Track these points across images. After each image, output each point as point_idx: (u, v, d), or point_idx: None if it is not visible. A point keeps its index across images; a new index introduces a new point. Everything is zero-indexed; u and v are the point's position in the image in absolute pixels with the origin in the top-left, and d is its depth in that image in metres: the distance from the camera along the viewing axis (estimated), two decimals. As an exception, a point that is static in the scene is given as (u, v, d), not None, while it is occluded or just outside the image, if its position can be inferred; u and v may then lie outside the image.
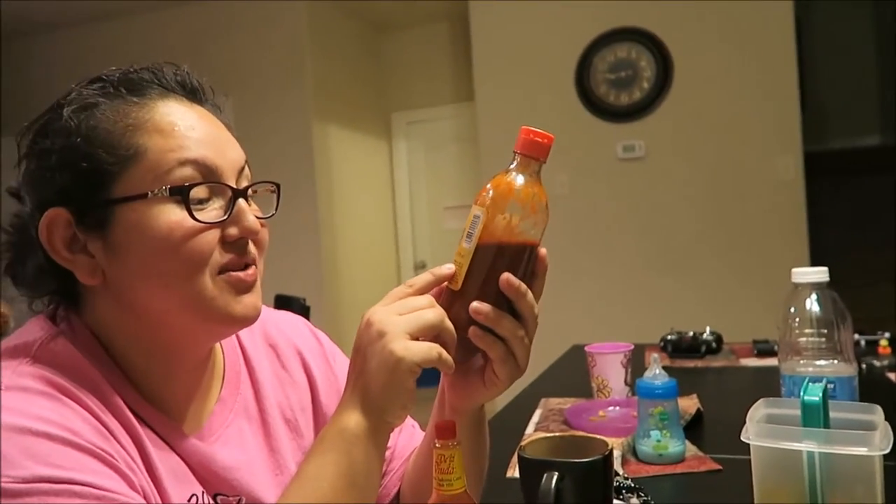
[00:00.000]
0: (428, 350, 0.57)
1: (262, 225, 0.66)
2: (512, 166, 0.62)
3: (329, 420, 0.61)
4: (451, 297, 0.62)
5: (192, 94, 0.66)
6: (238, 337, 0.76)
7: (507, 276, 0.59)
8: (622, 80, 3.93)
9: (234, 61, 4.36)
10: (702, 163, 3.81)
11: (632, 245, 3.92)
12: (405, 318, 0.58)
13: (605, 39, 3.93)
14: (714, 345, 1.87)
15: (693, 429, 1.20)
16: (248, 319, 0.65)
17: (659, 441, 1.05)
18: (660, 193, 3.87)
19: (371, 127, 5.13)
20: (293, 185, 4.24)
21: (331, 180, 4.50)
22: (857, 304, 3.59)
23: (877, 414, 0.67)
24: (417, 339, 0.58)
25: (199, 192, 0.61)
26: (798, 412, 0.67)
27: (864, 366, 1.62)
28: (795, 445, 0.63)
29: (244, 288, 0.63)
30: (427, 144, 5.34)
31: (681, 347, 1.88)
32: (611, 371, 1.39)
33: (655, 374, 1.07)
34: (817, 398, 0.64)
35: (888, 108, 5.81)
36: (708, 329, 1.92)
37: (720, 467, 1.01)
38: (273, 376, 0.76)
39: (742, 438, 0.66)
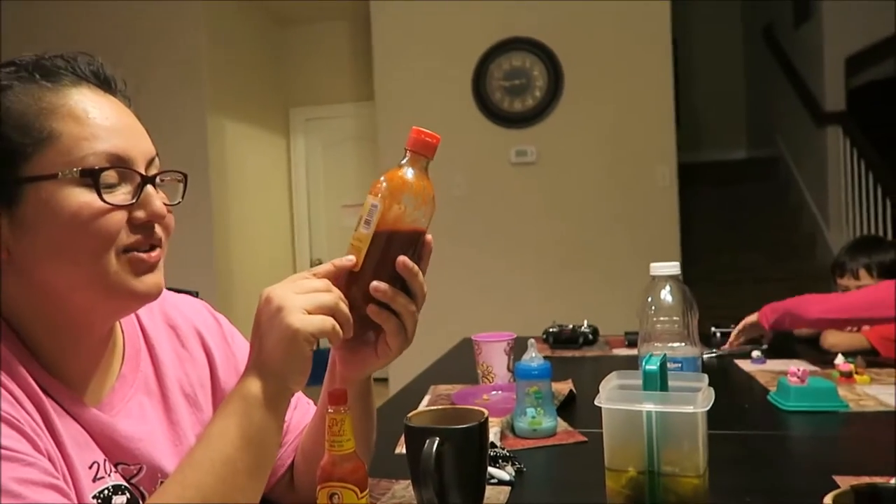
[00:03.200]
0: (322, 322, 0.64)
1: (168, 211, 0.70)
2: (403, 162, 0.69)
3: (233, 389, 0.66)
4: (350, 278, 0.68)
5: (105, 84, 0.69)
6: (138, 318, 0.79)
7: (403, 258, 0.67)
8: (516, 88, 4.11)
9: (129, 51, 4.19)
10: (587, 168, 4.05)
11: (522, 245, 4.11)
12: (302, 297, 0.64)
13: (501, 48, 4.10)
14: (591, 336, 2.04)
15: (566, 408, 1.33)
16: (150, 296, 0.68)
17: (534, 417, 1.15)
18: (549, 196, 4.08)
19: (269, 122, 5.07)
20: (191, 180, 4.12)
21: (225, 174, 4.41)
22: (720, 299, 3.91)
23: (703, 381, 0.79)
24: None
25: (109, 176, 0.64)
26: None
27: (714, 352, 1.83)
28: (636, 406, 0.74)
29: (146, 267, 0.67)
30: (325, 141, 5.33)
31: (561, 339, 2.03)
32: (495, 358, 1.50)
33: (532, 357, 1.18)
34: (655, 367, 0.76)
35: (754, 126, 6.39)
36: (586, 322, 2.08)
37: (586, 439, 1.13)
38: (173, 354, 0.80)
39: (595, 402, 0.77)
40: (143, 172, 0.67)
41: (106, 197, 0.63)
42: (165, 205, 0.69)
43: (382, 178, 0.69)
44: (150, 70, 4.20)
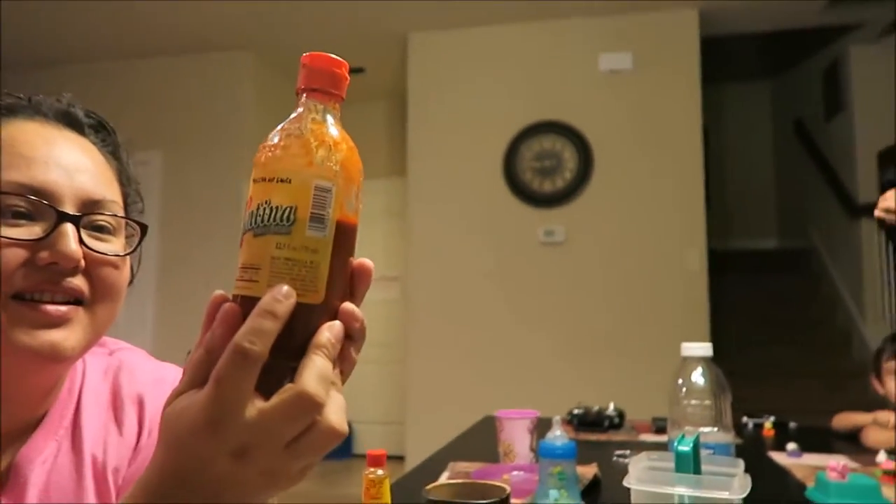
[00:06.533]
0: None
1: (110, 263, 0.60)
2: (326, 114, 0.47)
3: None
4: (309, 315, 0.41)
5: (64, 118, 0.64)
6: (83, 383, 0.69)
7: (366, 262, 0.45)
8: (546, 169, 4.17)
9: (171, 118, 4.38)
10: (616, 250, 4.04)
11: (548, 324, 4.05)
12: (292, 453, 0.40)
13: (532, 130, 4.19)
14: (617, 420, 1.97)
15: (590, 493, 1.26)
16: (49, 357, 0.57)
17: (557, 500, 1.10)
18: (577, 277, 4.06)
19: (302, 193, 5.19)
20: (220, 246, 4.21)
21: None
22: (750, 393, 3.77)
23: (739, 466, 0.75)
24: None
25: (16, 208, 0.57)
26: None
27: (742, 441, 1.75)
28: (668, 489, 0.70)
29: (45, 321, 0.56)
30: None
31: (586, 421, 1.97)
32: (517, 436, 1.45)
33: (556, 435, 1.14)
34: (688, 448, 0.72)
35: (785, 216, 6.35)
36: (612, 405, 2.01)
37: (611, 526, 1.07)
38: (100, 427, 0.68)
39: (624, 483, 0.73)
40: (69, 211, 0.58)
41: (4, 230, 0.55)
42: (102, 253, 0.60)
43: (313, 143, 0.44)
44: (190, 136, 4.36)
